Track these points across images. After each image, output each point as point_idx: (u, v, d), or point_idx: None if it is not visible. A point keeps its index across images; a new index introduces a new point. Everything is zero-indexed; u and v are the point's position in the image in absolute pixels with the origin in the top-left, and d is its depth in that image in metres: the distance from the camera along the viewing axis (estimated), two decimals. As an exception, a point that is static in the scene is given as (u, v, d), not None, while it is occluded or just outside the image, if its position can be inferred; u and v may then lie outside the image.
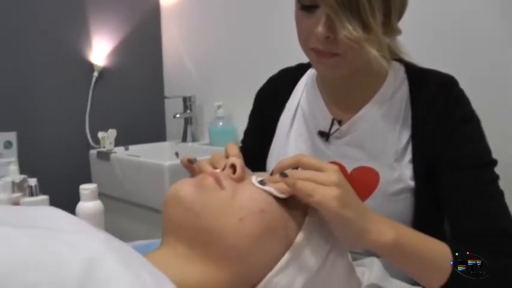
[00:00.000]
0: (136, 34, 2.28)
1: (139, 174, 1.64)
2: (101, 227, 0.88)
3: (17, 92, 1.93)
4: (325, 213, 0.57)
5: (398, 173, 0.84)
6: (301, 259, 0.59)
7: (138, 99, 2.30)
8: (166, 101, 2.38)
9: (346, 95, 0.91)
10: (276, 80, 1.07)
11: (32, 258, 0.36)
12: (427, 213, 0.83)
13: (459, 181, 0.78)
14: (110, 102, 2.20)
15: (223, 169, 0.64)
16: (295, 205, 0.60)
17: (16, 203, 1.50)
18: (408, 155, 0.84)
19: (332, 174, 0.58)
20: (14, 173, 1.61)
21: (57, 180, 1.99)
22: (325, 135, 0.91)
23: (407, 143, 0.85)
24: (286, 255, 0.58)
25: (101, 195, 1.94)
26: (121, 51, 2.23)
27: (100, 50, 2.16)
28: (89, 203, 0.89)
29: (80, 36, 2.10)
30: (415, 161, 0.83)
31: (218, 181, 0.61)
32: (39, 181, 1.85)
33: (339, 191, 0.57)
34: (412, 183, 0.83)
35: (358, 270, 0.75)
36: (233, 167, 0.63)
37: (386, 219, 0.63)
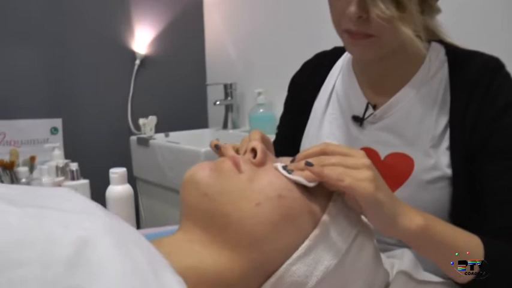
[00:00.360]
0: (178, 22, 2.29)
1: (176, 160, 1.65)
2: (129, 210, 0.89)
3: (62, 80, 1.99)
4: (358, 196, 0.54)
5: (434, 160, 0.79)
6: (321, 248, 0.56)
7: (180, 87, 2.32)
8: (208, 88, 2.39)
9: (381, 79, 0.87)
10: (310, 65, 1.05)
11: (24, 236, 0.35)
12: (465, 204, 0.77)
13: (500, 172, 0.73)
14: (151, 89, 2.23)
15: (245, 153, 0.63)
16: (318, 192, 0.58)
17: (58, 186, 1.54)
18: (445, 142, 0.79)
19: (361, 158, 0.56)
20: (58, 158, 1.65)
21: (99, 165, 2.03)
22: (359, 120, 0.88)
23: (445, 129, 0.80)
24: (306, 244, 0.55)
25: (140, 180, 2.01)
26: (163, 39, 2.25)
27: (142, 38, 2.18)
28: (118, 187, 0.89)
29: (123, 25, 2.14)
30: (452, 148, 0.78)
31: (236, 165, 0.59)
32: (82, 165, 1.91)
33: (372, 173, 0.55)
34: (449, 171, 0.78)
35: (388, 262, 0.71)
36: (254, 151, 0.61)
37: (414, 208, 0.60)
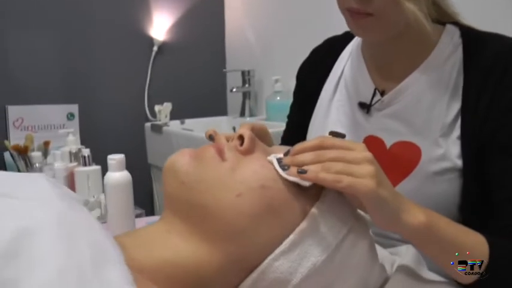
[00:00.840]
0: (197, 8, 2.26)
1: (188, 147, 1.62)
2: (127, 197, 0.87)
3: (79, 66, 1.99)
4: (359, 194, 0.51)
5: (443, 150, 0.74)
6: (307, 243, 0.52)
7: (198, 73, 2.29)
8: (227, 74, 2.36)
9: (390, 63, 0.82)
10: (319, 50, 1.01)
11: None
12: (475, 197, 0.72)
13: (508, 168, 0.68)
14: (169, 76, 2.21)
15: (232, 140, 0.59)
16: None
17: (71, 172, 1.54)
18: (457, 131, 0.74)
19: (362, 151, 0.53)
20: (72, 143, 1.66)
21: (115, 151, 2.03)
22: (365, 107, 0.84)
23: (457, 116, 0.74)
24: (290, 238, 0.52)
25: (154, 167, 2.00)
26: (181, 25, 2.22)
27: (160, 24, 2.16)
28: (115, 173, 0.87)
29: (140, 11, 2.12)
30: (464, 137, 0.73)
31: (220, 152, 0.56)
32: (97, 151, 1.91)
33: (373, 168, 0.52)
34: (459, 162, 0.73)
35: (390, 259, 0.67)
36: (241, 138, 0.58)
37: (417, 204, 0.56)
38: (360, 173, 0.51)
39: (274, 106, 1.95)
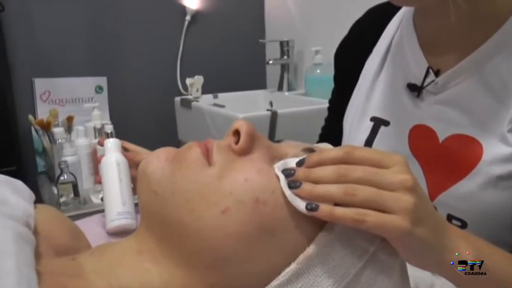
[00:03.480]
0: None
1: (218, 125, 1.51)
2: (124, 181, 0.76)
3: (108, 37, 1.90)
4: (388, 235, 0.40)
5: None
6: (314, 274, 0.40)
7: (234, 44, 2.15)
8: (266, 45, 2.19)
9: (450, 36, 0.66)
10: (360, 23, 0.87)
11: None
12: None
13: None
14: (203, 47, 2.08)
15: (227, 136, 0.47)
16: None
17: (94, 149, 1.47)
18: None
19: (401, 171, 0.41)
20: (96, 119, 1.58)
21: (144, 126, 1.96)
22: (416, 89, 0.69)
23: None
24: (292, 268, 0.40)
25: (183, 144, 1.89)
26: (217, -8, 2.08)
27: (194, -9, 2.03)
28: (110, 156, 0.77)
29: (173, -23, 1.99)
30: None
31: (207, 153, 0.44)
32: (126, 126, 1.84)
33: (412, 200, 0.40)
34: None
35: (424, 280, 0.54)
36: (237, 134, 0.45)
37: (460, 230, 0.45)
38: (392, 207, 0.39)
39: (313, 80, 1.79)
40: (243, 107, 1.74)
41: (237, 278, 0.40)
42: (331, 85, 1.72)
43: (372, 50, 0.80)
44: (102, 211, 1.27)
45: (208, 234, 0.39)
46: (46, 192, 1.53)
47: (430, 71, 0.67)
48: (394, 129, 0.72)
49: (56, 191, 1.34)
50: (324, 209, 0.39)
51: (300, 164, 0.43)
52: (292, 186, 0.41)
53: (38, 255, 0.41)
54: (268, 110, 1.41)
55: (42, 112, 1.72)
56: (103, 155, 0.79)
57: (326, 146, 0.56)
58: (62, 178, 1.28)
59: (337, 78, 0.91)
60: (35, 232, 0.44)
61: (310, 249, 0.40)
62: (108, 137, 1.44)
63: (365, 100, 0.78)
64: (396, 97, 0.73)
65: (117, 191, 0.74)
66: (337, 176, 0.40)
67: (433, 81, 0.67)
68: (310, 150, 0.49)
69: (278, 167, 0.43)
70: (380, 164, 0.41)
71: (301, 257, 0.40)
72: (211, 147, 0.44)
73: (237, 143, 0.45)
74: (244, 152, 0.44)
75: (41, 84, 1.76)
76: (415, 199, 0.39)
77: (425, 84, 0.68)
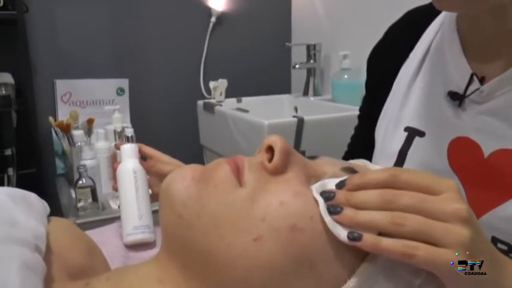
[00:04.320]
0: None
1: (242, 130, 1.46)
2: (142, 189, 0.71)
3: (130, 38, 1.87)
4: (440, 272, 0.35)
5: None
6: None
7: (260, 47, 2.11)
8: (292, 49, 2.14)
9: (496, 41, 0.60)
10: (396, 27, 0.82)
11: None
12: None
13: None
14: (227, 49, 2.04)
15: (259, 152, 0.43)
16: None
17: (114, 152, 1.43)
18: None
19: (453, 199, 0.36)
20: (117, 121, 1.55)
21: (166, 130, 1.91)
22: (457, 98, 0.63)
23: None
24: None
25: (207, 149, 1.86)
26: (243, -6, 2.03)
27: (219, -8, 1.98)
28: (127, 162, 0.72)
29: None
30: None
31: (237, 172, 0.39)
32: (147, 130, 1.80)
33: (468, 233, 0.35)
34: None
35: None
36: (270, 150, 0.41)
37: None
38: (445, 240, 0.34)
39: (341, 85, 1.73)
40: (267, 112, 1.69)
41: None
42: (360, 91, 1.67)
43: (409, 55, 0.75)
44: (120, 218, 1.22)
45: (238, 264, 0.35)
46: (65, 195, 1.50)
47: (475, 78, 0.61)
48: (431, 140, 0.67)
49: (74, 195, 1.30)
50: (369, 240, 0.35)
51: (340, 186, 0.39)
52: (332, 211, 0.36)
53: (50, 278, 0.38)
54: (294, 116, 1.35)
55: (63, 114, 1.70)
56: (120, 162, 0.74)
57: (364, 162, 0.51)
58: (80, 182, 1.24)
59: (369, 84, 0.85)
60: (48, 250, 0.41)
61: (352, 283, 0.36)
62: (128, 141, 1.41)
63: (399, 108, 0.72)
64: (434, 106, 0.67)
65: (134, 202, 0.69)
66: (383, 201, 0.36)
67: (477, 89, 0.61)
68: (350, 170, 0.44)
69: (316, 189, 0.39)
70: (429, 190, 0.36)
71: None
72: (242, 165, 0.40)
73: (270, 160, 0.40)
74: (279, 171, 0.40)
75: (62, 86, 1.73)
76: (470, 232, 0.35)
77: (468, 92, 0.62)
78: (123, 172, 0.71)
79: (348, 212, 0.36)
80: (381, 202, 0.36)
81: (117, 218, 1.27)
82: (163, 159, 0.82)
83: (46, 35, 1.72)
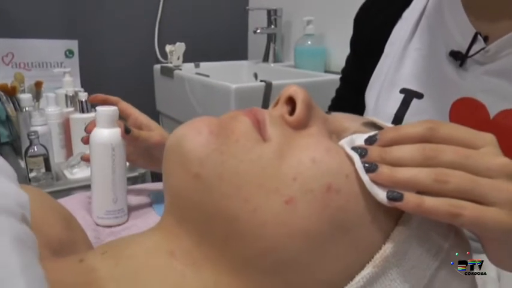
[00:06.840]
0: None
1: (203, 95, 1.39)
2: (119, 162, 0.64)
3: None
4: (486, 232, 0.32)
5: None
6: (389, 279, 0.33)
7: (218, 10, 2.02)
8: (250, 13, 2.07)
9: (500, 1, 0.59)
10: None
11: None
12: None
13: None
14: (183, 11, 1.94)
15: (276, 105, 0.38)
16: None
17: (66, 118, 1.33)
18: None
19: (495, 152, 0.33)
20: (68, 85, 1.43)
21: (119, 95, 1.80)
22: (460, 58, 0.62)
23: None
24: (368, 271, 0.32)
25: (163, 115, 1.78)
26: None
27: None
28: (104, 130, 0.64)
29: None
30: None
31: (259, 125, 0.35)
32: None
33: None
34: None
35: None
36: (291, 102, 0.37)
37: None
38: (493, 198, 0.31)
39: (304, 51, 1.69)
40: (227, 77, 1.63)
41: (301, 285, 0.32)
42: (323, 57, 1.64)
43: (402, 15, 0.72)
44: (78, 188, 1.13)
45: (266, 232, 0.31)
46: (12, 165, 1.37)
47: (479, 37, 0.60)
48: (431, 102, 0.65)
49: (23, 165, 1.19)
50: (411, 199, 0.31)
51: (370, 141, 0.35)
52: (368, 169, 0.32)
53: None
54: (261, 80, 1.30)
55: (5, 76, 1.54)
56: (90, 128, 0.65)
57: (372, 119, 0.47)
58: (31, 150, 1.13)
59: (355, 46, 0.82)
60: None
61: (388, 248, 0.33)
62: (82, 106, 1.31)
63: (394, 70, 0.70)
64: (433, 67, 0.65)
65: (109, 185, 0.62)
66: (423, 158, 0.32)
67: (483, 48, 0.59)
68: (373, 125, 0.41)
69: (347, 144, 0.34)
70: (471, 144, 0.33)
71: (378, 257, 0.32)
72: (263, 118, 0.35)
73: (291, 113, 0.36)
74: (302, 125, 0.36)
75: (2, 45, 1.58)
76: None
77: (472, 52, 0.60)
78: (99, 146, 0.63)
79: (385, 170, 0.32)
80: (421, 158, 0.32)
81: (73, 189, 1.18)
82: (143, 121, 0.72)
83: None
